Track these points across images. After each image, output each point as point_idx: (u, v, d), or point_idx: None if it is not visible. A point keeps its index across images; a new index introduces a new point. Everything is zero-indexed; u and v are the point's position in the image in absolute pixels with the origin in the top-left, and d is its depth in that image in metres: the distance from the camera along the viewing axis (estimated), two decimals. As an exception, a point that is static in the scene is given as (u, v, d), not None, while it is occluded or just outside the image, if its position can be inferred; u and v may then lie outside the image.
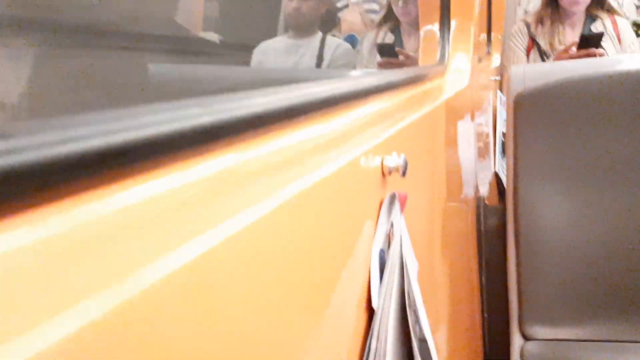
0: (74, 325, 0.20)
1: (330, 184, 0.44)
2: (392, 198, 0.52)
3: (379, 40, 2.28)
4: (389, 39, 2.27)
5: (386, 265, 0.49)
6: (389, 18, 2.32)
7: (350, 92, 0.61)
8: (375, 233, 0.50)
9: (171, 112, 0.32)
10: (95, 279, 0.23)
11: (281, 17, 2.71)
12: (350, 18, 4.28)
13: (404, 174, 0.53)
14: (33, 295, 0.21)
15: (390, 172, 0.52)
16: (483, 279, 1.37)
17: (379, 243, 0.49)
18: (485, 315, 1.38)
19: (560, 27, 2.38)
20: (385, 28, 2.31)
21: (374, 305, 0.46)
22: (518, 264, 1.34)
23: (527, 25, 2.42)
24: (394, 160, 0.52)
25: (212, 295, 0.29)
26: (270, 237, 0.35)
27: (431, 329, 0.91)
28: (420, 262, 0.83)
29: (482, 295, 1.38)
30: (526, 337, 1.33)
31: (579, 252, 1.33)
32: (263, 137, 0.41)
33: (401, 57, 1.99)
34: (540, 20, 2.41)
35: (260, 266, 0.34)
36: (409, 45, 2.19)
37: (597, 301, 1.32)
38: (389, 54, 2.02)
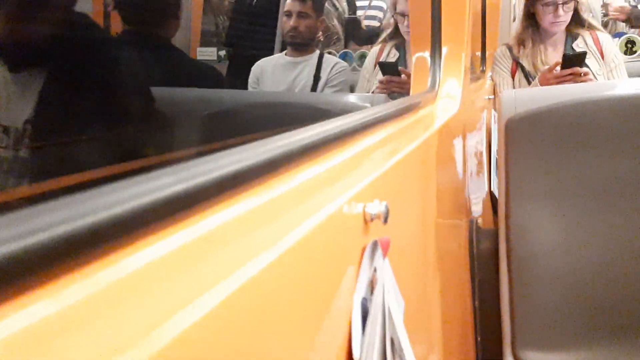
0: None
1: (312, 237, 0.44)
2: (374, 245, 0.53)
3: (384, 56, 2.31)
4: (394, 55, 2.30)
5: (369, 314, 0.50)
6: (395, 35, 2.35)
7: (334, 135, 0.61)
8: (357, 281, 0.50)
9: (144, 184, 0.32)
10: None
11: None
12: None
13: (385, 220, 0.53)
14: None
15: (372, 219, 0.52)
16: (476, 302, 1.37)
17: (361, 291, 0.50)
18: (479, 339, 1.38)
19: (542, 48, 2.39)
20: (390, 44, 2.35)
21: (355, 356, 0.47)
22: (511, 288, 1.34)
23: (509, 48, 2.43)
24: (376, 207, 0.52)
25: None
26: (253, 298, 0.36)
27: (424, 353, 0.91)
28: (412, 289, 0.84)
29: (475, 319, 1.38)
30: None
31: (571, 275, 1.33)
32: (241, 195, 0.41)
33: (403, 76, 2.01)
34: (521, 43, 2.40)
35: (244, 324, 0.34)
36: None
37: (590, 325, 1.32)
38: (390, 72, 2.05)
